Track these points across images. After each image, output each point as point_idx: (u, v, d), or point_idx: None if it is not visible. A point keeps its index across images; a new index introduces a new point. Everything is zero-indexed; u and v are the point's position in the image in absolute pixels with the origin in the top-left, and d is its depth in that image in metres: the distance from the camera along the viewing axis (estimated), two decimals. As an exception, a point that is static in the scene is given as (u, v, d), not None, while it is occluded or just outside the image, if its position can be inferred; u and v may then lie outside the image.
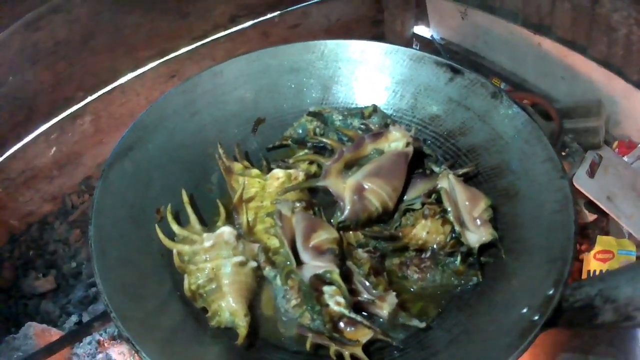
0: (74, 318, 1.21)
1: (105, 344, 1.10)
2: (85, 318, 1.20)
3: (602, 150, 1.30)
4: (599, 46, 1.30)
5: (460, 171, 0.89)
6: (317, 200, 0.89)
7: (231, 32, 1.43)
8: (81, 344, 1.09)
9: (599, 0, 1.22)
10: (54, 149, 1.31)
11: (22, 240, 1.36)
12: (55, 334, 1.11)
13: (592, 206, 1.23)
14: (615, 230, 1.23)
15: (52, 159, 1.32)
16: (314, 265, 0.73)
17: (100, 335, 1.10)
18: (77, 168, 1.39)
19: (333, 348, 0.72)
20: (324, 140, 0.92)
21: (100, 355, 1.07)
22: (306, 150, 0.96)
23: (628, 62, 1.26)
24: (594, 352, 0.93)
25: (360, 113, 0.97)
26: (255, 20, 1.43)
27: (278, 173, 0.87)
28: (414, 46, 1.75)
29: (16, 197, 1.31)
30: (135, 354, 1.05)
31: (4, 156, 1.24)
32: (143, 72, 1.35)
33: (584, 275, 1.15)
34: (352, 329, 0.74)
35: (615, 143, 1.36)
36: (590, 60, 1.33)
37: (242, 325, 0.75)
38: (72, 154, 1.35)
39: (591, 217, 1.26)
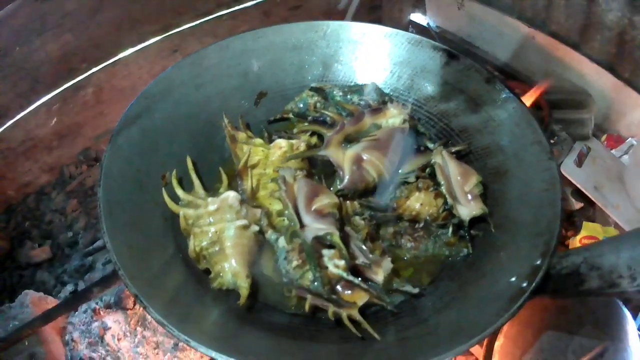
0: (69, 287, 1.23)
1: (101, 312, 1.11)
2: (81, 287, 1.22)
3: (590, 142, 1.34)
4: (591, 43, 1.34)
5: (454, 149, 0.93)
6: (316, 171, 0.92)
7: (233, 10, 1.45)
8: (76, 312, 1.10)
9: (595, -1, 1.25)
10: (55, 119, 1.32)
11: (19, 210, 1.37)
12: (51, 302, 1.13)
13: (578, 195, 1.27)
14: (601, 219, 1.26)
15: (52, 129, 1.33)
16: (315, 228, 0.76)
17: (96, 303, 1.12)
18: (77, 139, 1.40)
19: (331, 309, 0.74)
20: (326, 112, 0.95)
21: (95, 324, 1.09)
22: (307, 123, 0.98)
23: (620, 60, 1.30)
24: (580, 333, 0.94)
25: (360, 90, 1.00)
26: (258, 0, 1.45)
27: (281, 142, 0.90)
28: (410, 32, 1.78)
29: (15, 167, 1.33)
30: (131, 321, 1.10)
31: (5, 125, 1.26)
32: (146, 46, 1.37)
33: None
34: (349, 292, 0.77)
35: (604, 136, 1.39)
36: (582, 55, 1.37)
37: (243, 286, 0.77)
38: (72, 125, 1.37)
39: (578, 205, 1.30)
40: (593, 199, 1.23)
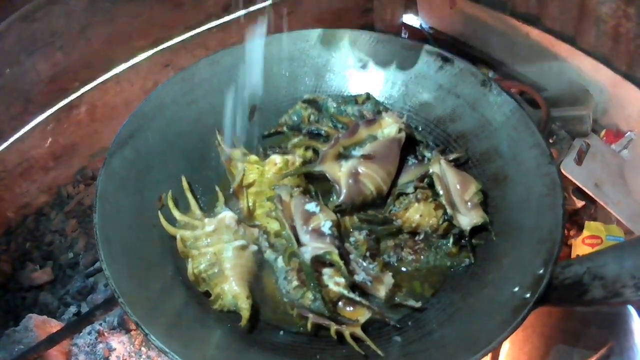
0: (72, 309, 1.22)
1: (105, 334, 1.11)
2: (84, 308, 1.22)
3: (589, 138, 1.32)
4: (587, 37, 1.32)
5: (451, 156, 0.92)
6: (313, 185, 0.91)
7: (224, 22, 1.44)
8: (81, 334, 1.10)
9: (588, -9, 1.24)
10: (50, 139, 1.31)
11: (19, 232, 1.36)
12: (55, 325, 1.12)
13: (580, 193, 1.26)
14: (603, 217, 1.26)
15: (48, 149, 1.32)
16: (314, 247, 0.75)
17: (100, 325, 1.12)
18: (73, 158, 1.39)
19: (333, 327, 0.74)
20: (320, 127, 0.94)
21: (100, 345, 1.08)
22: (301, 137, 0.98)
23: (616, 53, 1.28)
24: (585, 335, 0.94)
25: (354, 100, 0.99)
26: (248, 10, 1.44)
27: (276, 159, 0.89)
28: (402, 35, 1.77)
29: (13, 189, 1.32)
30: (136, 341, 1.09)
31: (1, 148, 1.25)
32: (137, 62, 1.35)
33: (573, 259, 1.18)
34: (351, 308, 0.77)
35: (603, 132, 1.38)
36: (578, 50, 1.35)
37: (244, 307, 0.76)
38: (67, 145, 1.36)
39: (579, 203, 1.29)
40: (594, 197, 1.22)
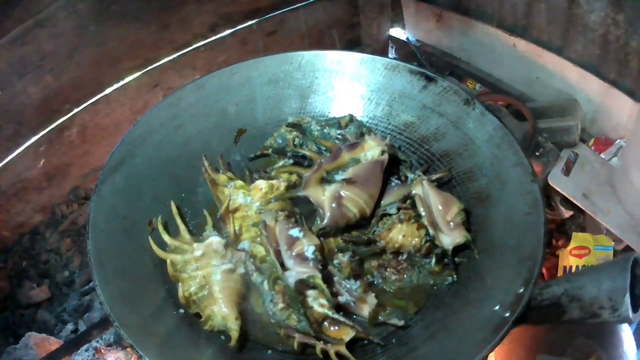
0: (70, 326, 1.24)
1: (102, 351, 1.12)
2: (81, 326, 1.23)
3: (578, 147, 1.33)
4: (574, 46, 1.34)
5: (434, 176, 0.93)
6: (298, 209, 0.92)
7: (211, 41, 1.46)
8: (79, 351, 1.12)
9: (576, 0, 1.26)
10: (43, 160, 1.33)
11: (15, 251, 1.38)
12: (54, 342, 1.14)
13: (568, 203, 1.26)
14: (592, 227, 1.26)
15: (41, 170, 1.34)
16: (298, 271, 0.77)
17: (97, 342, 1.13)
18: (65, 178, 1.41)
19: (319, 347, 0.76)
20: (303, 151, 0.95)
21: (98, 362, 1.10)
22: (286, 160, 0.99)
23: (604, 61, 1.29)
24: (571, 346, 0.94)
25: (337, 123, 1.01)
26: (234, 29, 1.46)
27: (261, 184, 0.90)
28: (390, 48, 1.78)
29: (7, 209, 1.34)
30: (132, 358, 1.11)
31: (-5, 169, 1.27)
32: (126, 83, 1.37)
33: (560, 271, 1.18)
34: (336, 328, 0.78)
35: (592, 140, 1.39)
36: (565, 60, 1.37)
37: (233, 328, 0.78)
38: (60, 165, 1.38)
39: (567, 213, 1.29)
40: (582, 207, 1.22)
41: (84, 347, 1.12)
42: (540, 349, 0.95)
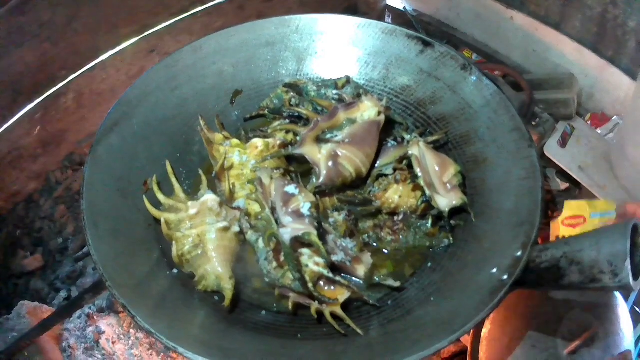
0: (62, 294, 1.24)
1: (95, 317, 1.12)
2: (74, 293, 1.23)
3: (574, 121, 1.33)
4: (572, 22, 1.33)
5: (430, 138, 0.93)
6: (294, 168, 0.92)
7: (208, 7, 1.45)
8: (71, 318, 1.12)
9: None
10: (38, 127, 1.32)
11: (9, 220, 1.37)
12: (47, 310, 1.13)
13: (564, 175, 1.27)
14: (588, 200, 1.25)
15: (36, 138, 1.33)
16: (293, 228, 0.76)
17: (90, 308, 1.13)
18: (61, 145, 1.40)
19: (314, 307, 0.75)
20: (300, 110, 0.95)
21: (90, 328, 1.10)
22: (282, 120, 0.99)
23: (602, 39, 1.29)
24: (568, 317, 0.94)
25: (334, 84, 1.00)
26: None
27: (257, 142, 0.90)
28: (386, 17, 1.77)
29: (3, 178, 1.33)
30: (124, 323, 1.11)
31: (-9, 138, 1.26)
32: (123, 49, 1.36)
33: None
34: (331, 288, 0.78)
35: (588, 115, 1.39)
36: (563, 35, 1.36)
37: (227, 288, 0.78)
38: (55, 132, 1.37)
39: (563, 185, 1.30)
40: (578, 180, 1.22)
41: (76, 315, 1.12)
42: (536, 319, 0.95)
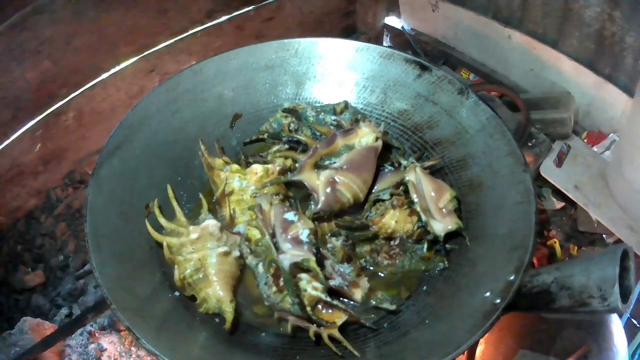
0: (64, 310, 1.24)
1: (96, 334, 1.12)
2: (75, 310, 1.24)
3: (570, 140, 1.33)
4: (569, 40, 1.34)
5: (427, 164, 0.94)
6: (293, 193, 0.94)
7: (207, 27, 1.46)
8: (73, 335, 1.12)
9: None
10: (39, 145, 1.33)
11: (10, 235, 1.38)
12: (49, 327, 1.14)
13: (559, 194, 1.27)
14: (583, 219, 1.27)
15: (37, 155, 1.34)
16: (292, 254, 0.78)
17: (91, 326, 1.13)
18: (61, 163, 1.41)
19: (312, 330, 0.77)
20: (299, 136, 0.96)
21: (92, 345, 1.10)
22: (281, 145, 1.00)
23: (599, 56, 1.30)
24: (561, 336, 0.95)
25: (332, 109, 1.01)
26: (231, 15, 1.46)
27: (256, 168, 0.92)
28: (385, 36, 1.79)
29: (3, 194, 1.33)
30: (125, 341, 1.11)
31: (-8, 154, 1.27)
32: (123, 68, 1.37)
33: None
34: (329, 311, 0.79)
35: (585, 133, 1.39)
36: (560, 53, 1.37)
37: (228, 310, 0.80)
38: (56, 150, 1.38)
39: (559, 204, 1.31)
40: (574, 199, 1.23)
41: (79, 332, 1.13)
42: (530, 337, 0.96)
